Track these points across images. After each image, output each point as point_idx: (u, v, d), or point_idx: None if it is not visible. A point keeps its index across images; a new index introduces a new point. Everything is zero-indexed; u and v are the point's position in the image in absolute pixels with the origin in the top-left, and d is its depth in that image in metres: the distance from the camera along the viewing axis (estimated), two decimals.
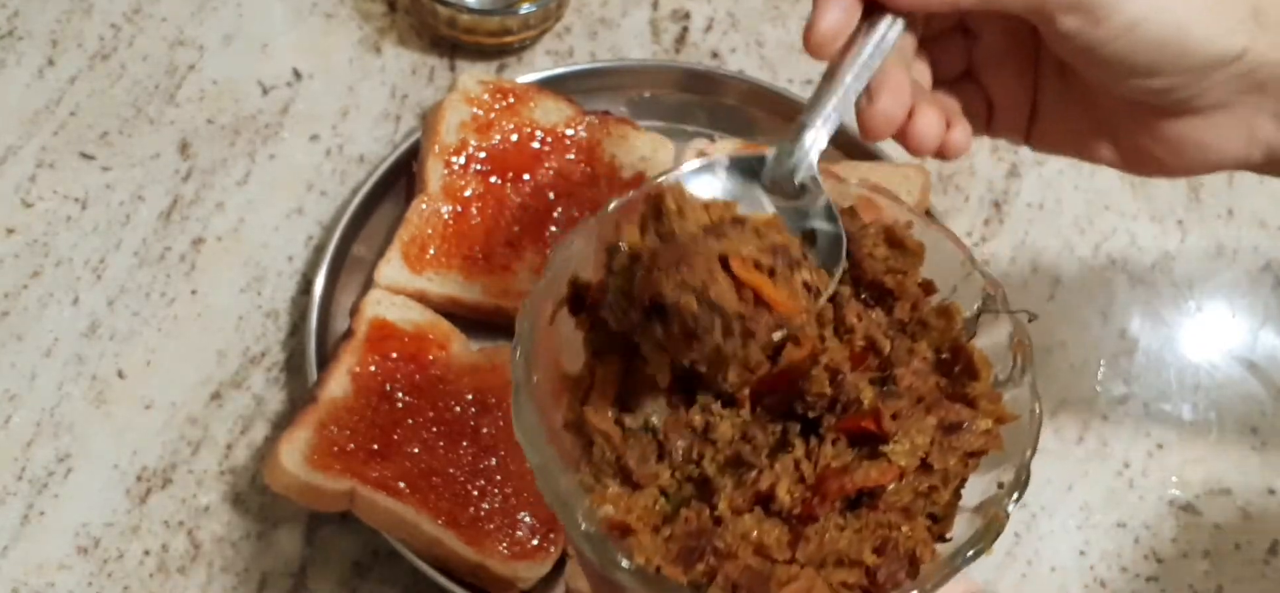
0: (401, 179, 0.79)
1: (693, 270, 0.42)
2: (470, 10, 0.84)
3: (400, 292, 0.73)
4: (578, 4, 0.90)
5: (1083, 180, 0.84)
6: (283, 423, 0.71)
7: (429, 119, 0.78)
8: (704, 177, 0.48)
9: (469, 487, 0.66)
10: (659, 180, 0.48)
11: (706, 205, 0.45)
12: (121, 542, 0.67)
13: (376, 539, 0.67)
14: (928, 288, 0.50)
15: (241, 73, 0.85)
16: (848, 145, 0.81)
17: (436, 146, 0.76)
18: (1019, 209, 0.83)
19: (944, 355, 0.48)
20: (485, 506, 0.66)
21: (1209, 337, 0.79)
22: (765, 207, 0.48)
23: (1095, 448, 0.74)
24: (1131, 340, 0.78)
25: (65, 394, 0.72)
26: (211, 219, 0.78)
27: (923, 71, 0.53)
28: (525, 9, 0.84)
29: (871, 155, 0.80)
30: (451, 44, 0.87)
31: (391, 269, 0.73)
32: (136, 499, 0.69)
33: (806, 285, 0.44)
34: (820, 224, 0.48)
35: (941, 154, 0.53)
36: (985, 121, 0.56)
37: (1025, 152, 0.85)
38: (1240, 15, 0.50)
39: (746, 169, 0.49)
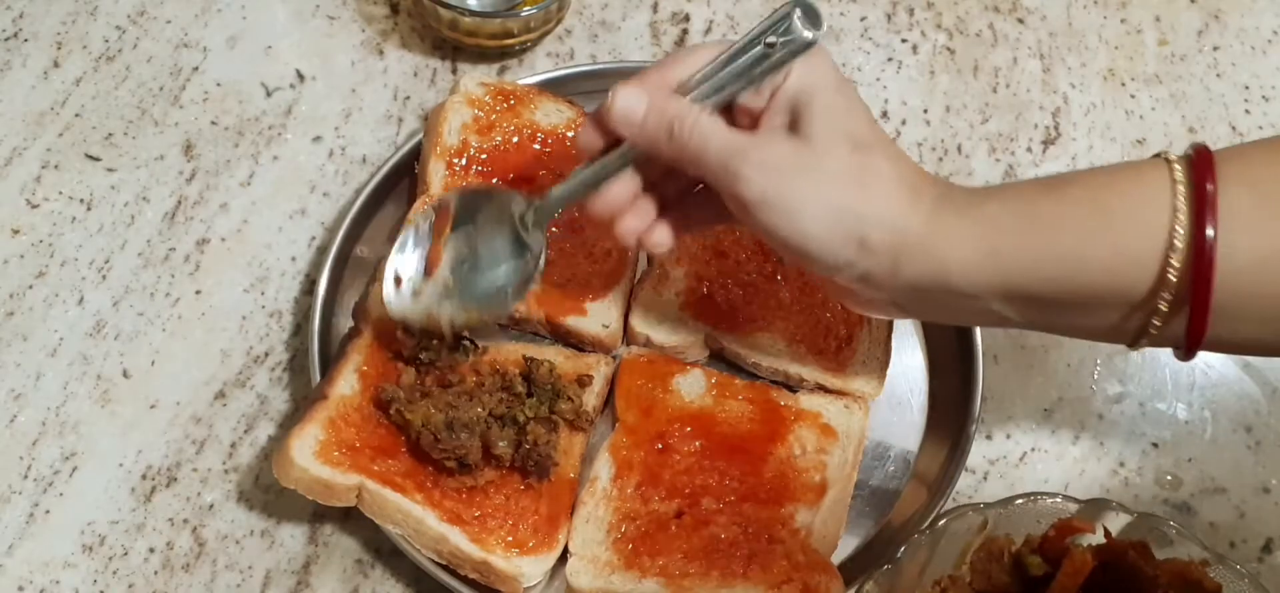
0: (404, 180, 0.79)
1: None
2: (472, 13, 0.85)
3: None
4: (578, 7, 0.90)
5: None
6: (287, 422, 0.71)
7: (431, 121, 0.79)
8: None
9: (473, 484, 0.67)
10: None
11: None
12: (126, 540, 0.68)
13: (379, 537, 0.68)
14: None
15: (245, 75, 0.85)
16: None
17: (438, 148, 0.77)
18: None
19: None
20: (490, 503, 0.67)
21: None
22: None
23: (1091, 447, 0.75)
24: None
25: (70, 393, 0.72)
26: (215, 220, 0.79)
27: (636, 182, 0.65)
28: (526, 12, 0.85)
29: None
30: (453, 46, 0.87)
31: None
32: (141, 497, 0.69)
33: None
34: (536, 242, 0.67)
35: (643, 246, 0.66)
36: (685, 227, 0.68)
37: (1022, 152, 0.85)
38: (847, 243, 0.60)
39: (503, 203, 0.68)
